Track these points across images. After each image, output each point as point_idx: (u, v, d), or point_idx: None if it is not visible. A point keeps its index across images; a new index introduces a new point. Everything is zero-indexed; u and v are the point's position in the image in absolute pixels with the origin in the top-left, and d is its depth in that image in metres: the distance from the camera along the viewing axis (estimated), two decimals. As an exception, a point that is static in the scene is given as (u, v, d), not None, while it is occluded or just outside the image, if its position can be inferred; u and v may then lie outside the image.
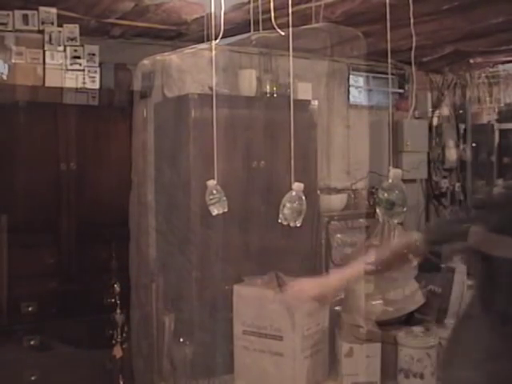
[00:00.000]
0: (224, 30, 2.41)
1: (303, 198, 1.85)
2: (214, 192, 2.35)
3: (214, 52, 2.44)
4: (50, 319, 3.71)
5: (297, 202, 1.83)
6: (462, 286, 2.76)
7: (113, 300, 3.56)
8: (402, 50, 3.84)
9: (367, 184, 5.12)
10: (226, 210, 2.38)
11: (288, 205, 1.84)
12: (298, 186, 1.85)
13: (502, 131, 6.10)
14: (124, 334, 3.57)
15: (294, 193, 1.85)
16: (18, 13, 3.73)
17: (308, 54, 4.66)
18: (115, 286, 3.58)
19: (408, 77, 5.78)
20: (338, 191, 4.95)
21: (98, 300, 3.67)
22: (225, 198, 2.36)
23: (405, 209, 1.75)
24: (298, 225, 1.85)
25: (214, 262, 3.69)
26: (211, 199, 2.36)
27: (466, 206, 5.93)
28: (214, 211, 2.37)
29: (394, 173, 1.78)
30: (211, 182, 2.36)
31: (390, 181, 1.76)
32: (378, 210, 1.77)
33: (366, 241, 2.79)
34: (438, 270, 2.84)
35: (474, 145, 6.04)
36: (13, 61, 3.65)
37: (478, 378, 1.72)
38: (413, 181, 5.74)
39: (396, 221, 1.74)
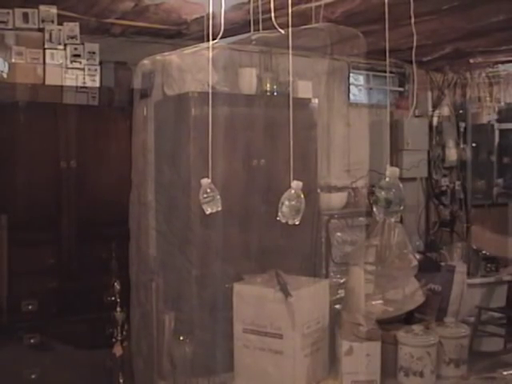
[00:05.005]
0: (224, 29, 2.41)
1: (302, 196, 1.86)
2: (208, 190, 2.35)
3: (210, 52, 2.44)
4: (51, 317, 3.71)
5: (295, 200, 1.84)
6: (461, 285, 2.77)
7: (113, 298, 3.57)
8: (402, 49, 3.84)
9: (367, 182, 5.13)
10: (219, 209, 2.37)
11: (286, 203, 1.84)
12: (296, 184, 1.86)
13: (501, 131, 6.11)
14: (124, 333, 3.57)
15: (292, 191, 1.85)
16: (19, 11, 3.73)
17: (308, 53, 4.66)
18: (115, 284, 3.58)
19: (408, 75, 5.79)
20: (338, 189, 4.95)
21: (98, 298, 3.67)
22: (219, 197, 2.35)
23: (402, 207, 1.75)
24: (297, 223, 1.85)
25: (213, 260, 3.69)
26: (205, 198, 2.35)
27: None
28: (208, 210, 2.36)
29: (391, 171, 1.78)
30: (205, 181, 2.36)
31: (387, 179, 1.77)
32: (374, 209, 1.78)
33: (366, 240, 2.79)
34: (438, 268, 2.85)
35: (473, 144, 6.04)
36: (13, 60, 3.65)
37: None
38: (413, 179, 5.75)
39: (393, 219, 1.75)
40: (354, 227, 4.64)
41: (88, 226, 3.84)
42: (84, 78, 3.87)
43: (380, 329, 2.38)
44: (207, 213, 2.38)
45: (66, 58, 3.82)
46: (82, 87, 3.86)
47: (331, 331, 2.55)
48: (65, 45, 3.82)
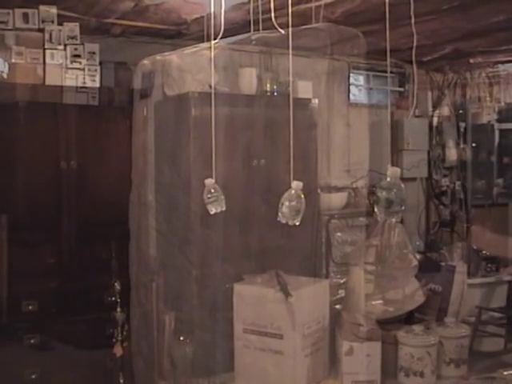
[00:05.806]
0: (224, 29, 2.41)
1: (302, 196, 1.86)
2: (212, 191, 2.35)
3: (212, 52, 2.44)
4: (51, 318, 3.71)
5: (295, 201, 1.84)
6: (462, 285, 2.77)
7: (113, 298, 3.56)
8: (403, 49, 3.84)
9: (367, 182, 5.13)
10: (223, 209, 2.37)
11: (287, 203, 1.84)
12: (296, 185, 1.86)
13: (502, 131, 6.11)
14: (124, 333, 3.57)
15: (292, 191, 1.85)
16: (19, 11, 3.73)
17: (308, 53, 4.66)
18: (115, 284, 3.58)
19: (408, 75, 5.78)
20: (339, 190, 4.95)
21: (98, 299, 3.67)
22: (223, 197, 2.35)
23: (403, 207, 1.76)
24: (297, 223, 1.85)
25: (213, 261, 3.69)
26: (209, 198, 2.35)
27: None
28: (212, 210, 2.36)
29: (392, 171, 1.78)
30: (209, 181, 2.36)
31: (389, 179, 1.77)
32: (376, 209, 1.78)
33: (366, 240, 2.79)
34: (438, 268, 2.85)
35: (473, 144, 6.05)
36: (13, 60, 3.66)
37: None
38: (413, 179, 5.75)
39: (394, 219, 1.75)
40: (354, 227, 4.64)
41: (88, 226, 3.84)
42: (84, 78, 3.87)
43: (380, 329, 2.38)
44: (211, 213, 2.38)
45: (66, 58, 3.83)
46: (81, 87, 3.87)
47: (331, 331, 2.54)
48: (65, 45, 3.83)
